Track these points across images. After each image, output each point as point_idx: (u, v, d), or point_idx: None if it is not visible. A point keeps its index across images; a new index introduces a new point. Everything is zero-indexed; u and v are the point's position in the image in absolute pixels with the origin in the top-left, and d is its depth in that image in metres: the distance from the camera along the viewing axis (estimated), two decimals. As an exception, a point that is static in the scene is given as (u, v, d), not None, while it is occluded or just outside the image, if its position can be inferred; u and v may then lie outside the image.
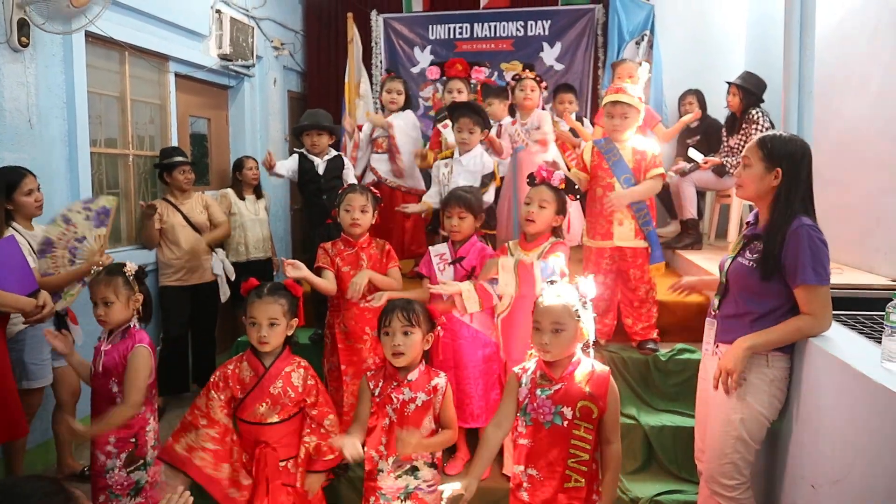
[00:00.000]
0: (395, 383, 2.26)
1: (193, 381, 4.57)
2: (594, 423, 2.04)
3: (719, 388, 2.22)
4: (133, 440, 2.42)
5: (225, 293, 4.53)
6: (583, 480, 2.04)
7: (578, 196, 3.19)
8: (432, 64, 6.09)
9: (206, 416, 2.37)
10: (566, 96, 4.86)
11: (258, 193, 5.03)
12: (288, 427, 2.38)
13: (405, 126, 4.32)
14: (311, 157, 3.77)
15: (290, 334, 2.42)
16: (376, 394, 2.28)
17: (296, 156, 3.83)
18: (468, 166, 3.56)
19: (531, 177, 2.95)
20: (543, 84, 4.27)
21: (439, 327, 2.35)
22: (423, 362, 2.32)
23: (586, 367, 2.10)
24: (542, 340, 2.05)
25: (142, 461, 2.46)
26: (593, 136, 4.46)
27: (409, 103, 4.47)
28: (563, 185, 2.87)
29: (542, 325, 2.06)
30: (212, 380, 2.40)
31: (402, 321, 2.20)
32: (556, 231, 2.89)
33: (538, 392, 2.08)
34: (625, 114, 3.23)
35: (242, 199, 4.89)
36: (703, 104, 5.31)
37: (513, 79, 4.33)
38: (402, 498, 2.25)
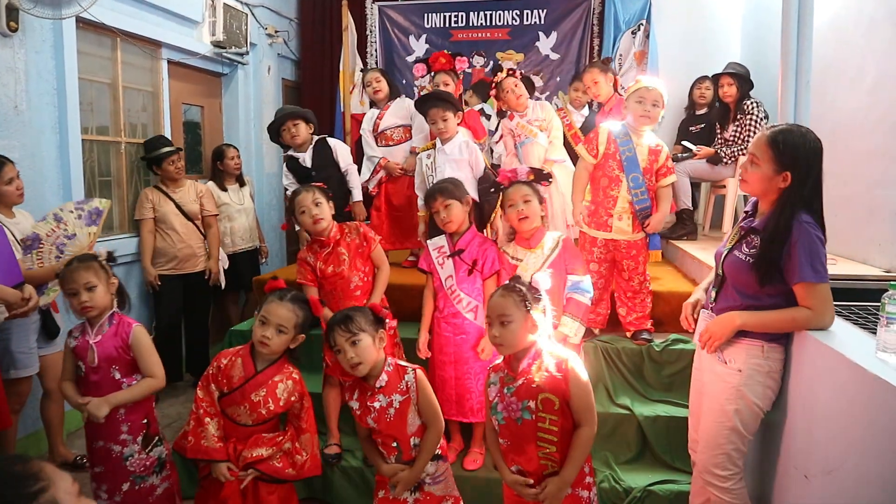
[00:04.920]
0: (368, 393, 2.22)
1: (187, 371, 4.57)
2: (557, 414, 2.00)
3: (713, 382, 2.23)
4: (145, 421, 2.42)
5: (222, 281, 4.51)
6: (559, 469, 2.03)
7: (551, 181, 3.19)
8: (418, 61, 6.07)
9: (212, 405, 2.37)
10: (580, 84, 4.80)
11: (241, 181, 4.98)
12: (259, 430, 2.38)
13: (397, 117, 4.29)
14: (296, 154, 3.73)
15: (292, 347, 2.40)
16: (356, 408, 2.25)
17: (284, 167, 3.79)
18: (452, 154, 3.52)
19: (496, 185, 2.97)
20: (518, 73, 4.15)
21: (388, 320, 2.29)
22: (389, 361, 2.26)
23: (545, 356, 2.06)
24: (492, 333, 2.05)
25: (157, 437, 2.47)
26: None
27: (395, 91, 4.39)
28: (531, 178, 2.90)
29: (491, 318, 2.06)
30: (210, 371, 2.40)
31: (344, 334, 2.15)
32: (543, 219, 2.91)
33: (506, 390, 2.07)
34: (656, 101, 3.17)
35: (224, 189, 4.82)
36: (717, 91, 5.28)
37: (493, 87, 4.24)
38: (411, 490, 2.24)
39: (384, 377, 2.21)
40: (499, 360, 2.21)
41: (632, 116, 3.23)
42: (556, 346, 2.14)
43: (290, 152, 3.78)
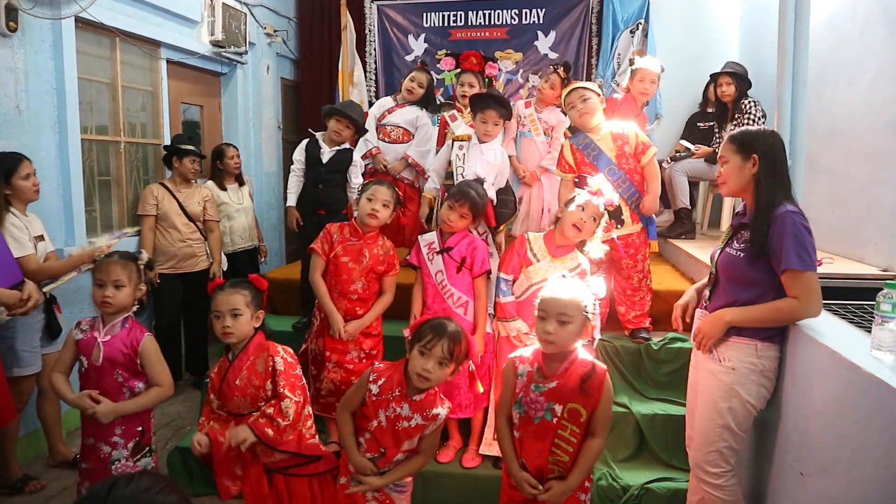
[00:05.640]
0: (397, 392, 2.16)
1: (186, 370, 4.57)
2: (581, 427, 2.01)
3: (707, 379, 2.25)
4: (140, 428, 2.41)
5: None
6: (565, 476, 2.05)
7: (619, 225, 3.21)
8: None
9: (212, 413, 2.39)
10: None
11: (240, 181, 4.99)
12: None
13: (404, 120, 4.29)
14: (321, 143, 3.74)
15: (256, 326, 2.38)
16: (374, 391, 2.18)
17: (304, 143, 3.80)
18: (488, 156, 3.47)
19: (582, 178, 2.95)
20: (569, 80, 4.17)
21: (472, 364, 2.28)
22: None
23: (585, 365, 2.05)
24: (545, 329, 2.01)
25: (147, 448, 2.45)
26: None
27: (430, 101, 4.37)
28: (612, 209, 2.86)
29: (547, 314, 2.03)
30: (208, 383, 2.41)
31: (443, 352, 2.08)
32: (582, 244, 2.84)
33: (532, 388, 2.06)
34: (583, 96, 3.24)
35: (224, 188, 4.83)
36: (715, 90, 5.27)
37: (555, 66, 4.26)
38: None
39: (423, 395, 2.17)
40: (524, 353, 2.18)
41: (575, 124, 3.35)
42: (588, 354, 2.12)
43: (318, 136, 3.78)
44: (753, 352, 2.15)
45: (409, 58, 6.34)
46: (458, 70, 4.37)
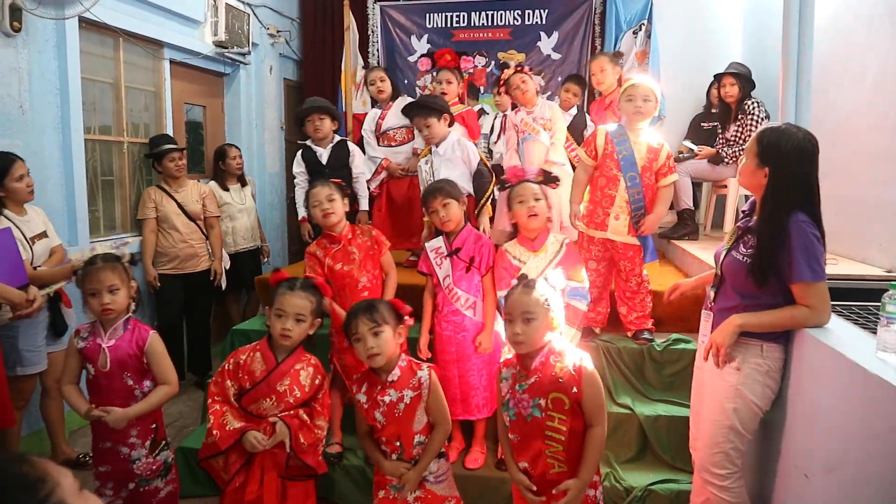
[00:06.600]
0: (378, 387, 2.21)
1: (188, 370, 4.57)
2: (567, 414, 2.02)
3: (713, 380, 2.24)
4: (154, 426, 2.42)
5: (223, 282, 4.53)
6: (565, 467, 2.06)
7: (558, 184, 3.22)
8: (422, 56, 6.10)
9: (226, 398, 2.35)
10: (572, 86, 4.84)
11: (242, 181, 5.01)
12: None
13: (399, 118, 4.30)
14: (315, 147, 3.76)
15: (311, 333, 2.41)
16: (363, 400, 2.24)
17: (298, 154, 3.82)
18: (446, 155, 3.54)
19: (502, 182, 2.99)
20: (528, 70, 4.23)
21: (407, 317, 2.30)
22: (402, 357, 2.26)
23: (560, 356, 2.07)
24: (514, 331, 2.05)
25: (164, 442, 2.47)
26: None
27: (397, 90, 4.44)
28: (540, 178, 2.92)
29: (513, 315, 2.06)
30: (227, 367, 2.38)
31: (368, 324, 2.15)
32: (547, 221, 2.90)
33: (517, 387, 2.08)
34: (646, 96, 3.15)
35: (226, 189, 4.85)
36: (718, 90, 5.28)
37: (500, 85, 4.31)
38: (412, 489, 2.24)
39: (397, 371, 2.21)
40: (509, 356, 2.21)
41: (625, 116, 3.26)
42: (568, 345, 2.14)
43: (309, 143, 3.81)
44: (759, 352, 2.14)
45: (411, 58, 6.33)
46: (437, 69, 4.41)
